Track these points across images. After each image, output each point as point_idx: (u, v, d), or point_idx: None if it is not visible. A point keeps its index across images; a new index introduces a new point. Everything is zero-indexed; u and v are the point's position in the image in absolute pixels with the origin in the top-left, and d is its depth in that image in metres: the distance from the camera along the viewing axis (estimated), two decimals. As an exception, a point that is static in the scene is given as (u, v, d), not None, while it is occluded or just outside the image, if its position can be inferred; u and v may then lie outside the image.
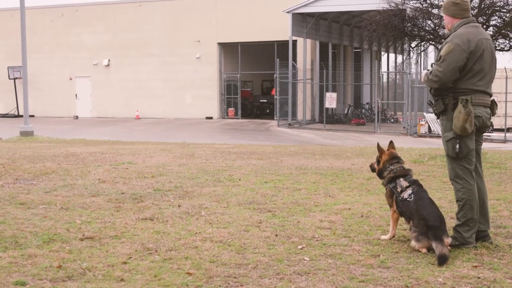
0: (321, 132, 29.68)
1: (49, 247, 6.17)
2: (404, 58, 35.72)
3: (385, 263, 5.66)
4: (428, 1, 18.87)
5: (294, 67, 33.63)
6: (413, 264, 5.65)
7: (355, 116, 37.31)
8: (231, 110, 37.60)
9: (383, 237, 6.52)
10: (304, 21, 34.42)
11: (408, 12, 21.03)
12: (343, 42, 40.06)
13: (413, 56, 28.06)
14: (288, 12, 32.96)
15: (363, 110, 39.13)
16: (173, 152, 15.63)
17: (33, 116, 38.04)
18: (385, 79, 49.60)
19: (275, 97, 33.84)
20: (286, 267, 5.57)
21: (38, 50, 40.18)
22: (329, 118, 33.90)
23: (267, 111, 39.35)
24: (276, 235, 6.66)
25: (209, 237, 6.54)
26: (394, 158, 6.57)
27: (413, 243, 6.07)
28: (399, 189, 6.34)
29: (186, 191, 9.39)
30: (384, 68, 48.83)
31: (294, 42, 34.16)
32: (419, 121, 30.00)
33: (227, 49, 38.15)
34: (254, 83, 41.95)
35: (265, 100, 40.17)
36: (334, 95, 33.46)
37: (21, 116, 37.38)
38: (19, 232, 6.75)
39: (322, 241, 6.42)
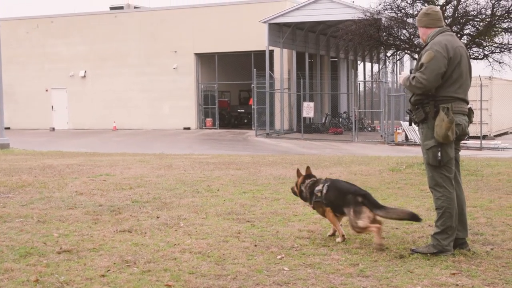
0: (299, 142, 29.76)
1: (26, 261, 6.11)
2: (380, 67, 36.05)
3: (364, 272, 5.68)
4: (403, 11, 19.02)
5: (271, 76, 33.71)
6: (392, 272, 5.67)
7: (333, 125, 37.45)
8: (209, 120, 37.58)
9: (338, 239, 6.78)
10: (280, 31, 34.55)
11: (383, 21, 21.21)
12: (320, 51, 40.26)
13: (389, 65, 28.27)
14: (264, 22, 33.08)
15: (340, 119, 39.29)
16: (151, 163, 15.58)
17: (8, 128, 37.63)
18: (361, 88, 49.89)
19: (252, 107, 33.89)
20: (266, 277, 5.56)
21: (14, 61, 39.86)
22: (307, 128, 34.00)
23: (245, 121, 39.38)
24: (255, 245, 6.65)
25: (188, 249, 6.51)
26: (307, 177, 7.28)
27: (361, 222, 6.43)
28: (318, 194, 6.90)
29: (165, 202, 9.36)
30: (360, 77, 49.15)
31: (271, 52, 34.27)
32: (396, 130, 30.20)
33: (204, 59, 38.17)
34: (231, 93, 41.98)
35: (243, 110, 40.21)
36: (312, 104, 33.58)
37: (-3, 128, 37.01)
38: (-5, 246, 6.67)
39: (301, 250, 6.43)
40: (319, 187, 6.93)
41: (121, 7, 40.43)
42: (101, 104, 38.97)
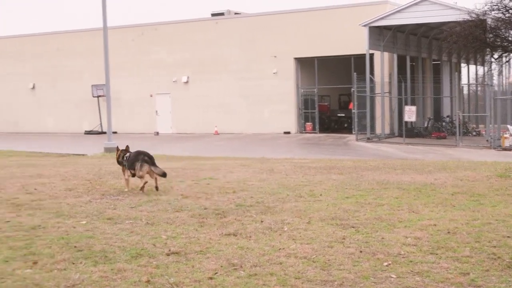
0: (401, 146, 29.23)
1: (137, 261, 6.31)
2: (486, 69, 34.94)
3: (475, 282, 5.51)
4: (511, 11, 18.37)
5: (371, 80, 33.30)
6: (505, 283, 5.47)
7: (436, 129, 36.55)
8: (309, 124, 37.53)
9: (125, 190, 11.11)
10: (381, 34, 34.08)
11: (489, 22, 20.52)
12: (421, 54, 39.41)
13: (496, 67, 27.31)
14: (364, 25, 32.73)
15: (443, 123, 38.29)
16: (252, 167, 15.71)
17: (115, 132, 39.03)
18: (465, 91, 48.44)
19: (353, 111, 33.58)
20: (373, 284, 5.50)
21: (120, 68, 41.25)
22: (409, 132, 33.35)
23: (345, 125, 39.07)
24: (361, 251, 6.59)
25: (293, 253, 6.53)
26: (123, 151, 11.52)
27: (138, 173, 10.88)
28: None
29: (268, 206, 9.42)
30: (464, 80, 47.73)
31: (371, 55, 33.85)
32: (502, 134, 29.12)
33: (304, 63, 38.17)
34: (331, 97, 41.75)
35: (343, 114, 39.90)
36: (413, 108, 32.92)
37: (105, 132, 38.37)
38: (107, 246, 6.93)
39: (409, 258, 6.31)
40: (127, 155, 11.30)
41: (222, 14, 41.08)
42: (202, 108, 39.69)
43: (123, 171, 11.40)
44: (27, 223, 8.32)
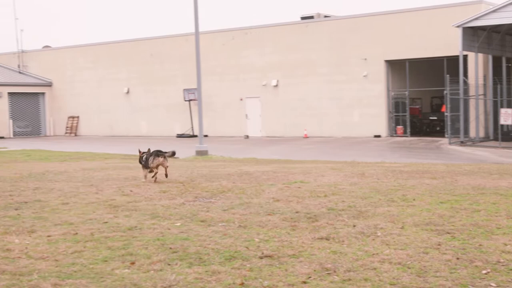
0: (496, 150, 28.32)
1: (230, 264, 6.38)
2: None
3: None
4: None
5: (465, 82, 32.43)
6: None
7: (534, 132, 35.24)
8: (400, 128, 36.94)
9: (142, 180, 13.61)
10: (475, 35, 33.14)
11: None
12: (519, 55, 38.10)
13: None
14: (458, 26, 31.90)
15: (542, 127, 36.86)
16: (343, 171, 15.61)
17: (206, 136, 39.68)
18: None
19: (445, 114, 32.79)
20: (471, 292, 5.36)
21: (211, 72, 41.92)
22: (505, 135, 32.26)
23: (437, 128, 38.21)
24: (458, 258, 6.43)
25: (387, 259, 6.44)
26: (144, 153, 13.78)
27: (151, 165, 13.40)
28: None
29: (360, 210, 9.34)
30: None
31: (465, 57, 32.96)
32: None
33: (395, 66, 37.60)
34: (423, 100, 40.97)
35: (435, 117, 39.04)
36: (510, 111, 31.81)
37: (196, 136, 39.16)
38: (202, 248, 7.04)
39: (509, 266, 6.11)
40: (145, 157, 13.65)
41: (312, 17, 41.06)
42: (292, 112, 39.77)
43: (142, 168, 13.88)
44: (124, 224, 8.58)
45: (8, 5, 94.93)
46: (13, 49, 53.03)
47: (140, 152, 14.04)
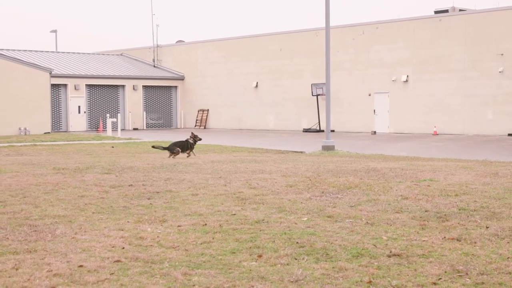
0: None
1: (358, 261, 6.31)
2: None
3: None
4: None
5: None
6: None
7: None
8: (537, 126, 35.13)
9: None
10: None
11: None
12: None
13: None
14: None
15: None
16: (475, 170, 15.03)
17: (333, 131, 39.53)
18: None
19: None
20: None
21: (339, 67, 41.68)
22: None
23: None
24: None
25: (524, 264, 6.13)
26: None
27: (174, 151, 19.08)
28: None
29: (493, 212, 8.95)
30: None
31: None
32: None
33: (534, 61, 35.78)
34: None
35: None
36: None
37: (322, 131, 39.10)
38: (328, 244, 7.01)
39: None
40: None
41: (446, 11, 39.83)
42: (421, 108, 38.81)
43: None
44: (251, 217, 8.69)
45: (146, 1, 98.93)
46: (149, 43, 55.22)
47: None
